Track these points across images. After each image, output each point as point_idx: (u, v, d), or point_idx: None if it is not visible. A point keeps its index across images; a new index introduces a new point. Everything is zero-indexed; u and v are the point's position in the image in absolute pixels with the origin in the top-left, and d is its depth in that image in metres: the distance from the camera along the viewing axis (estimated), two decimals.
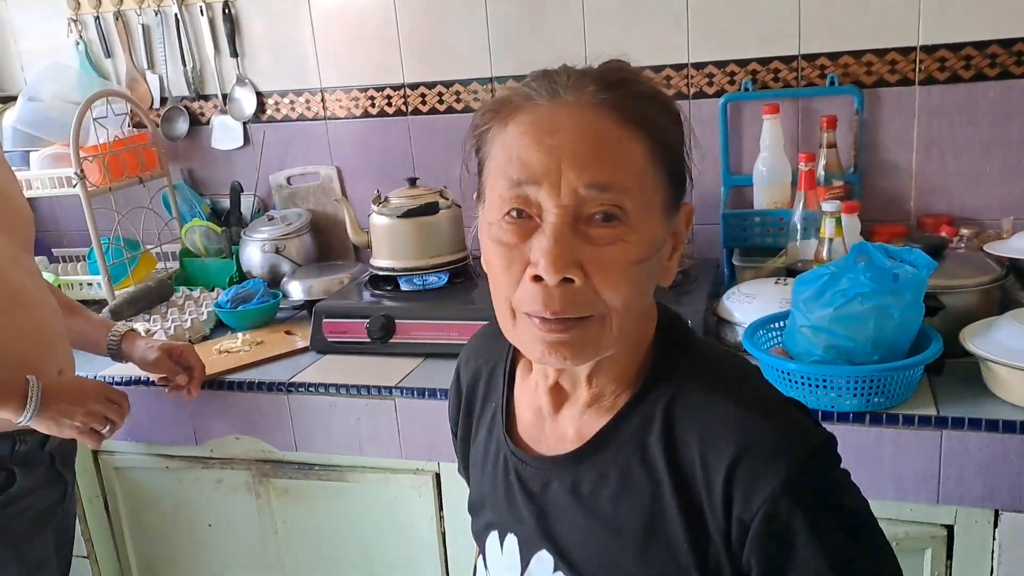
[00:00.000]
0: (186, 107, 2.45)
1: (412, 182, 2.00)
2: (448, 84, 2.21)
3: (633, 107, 0.75)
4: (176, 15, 2.35)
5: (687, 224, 0.84)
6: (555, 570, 0.86)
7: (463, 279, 1.95)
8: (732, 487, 0.75)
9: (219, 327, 2.08)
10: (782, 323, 1.53)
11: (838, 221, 1.63)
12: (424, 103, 2.24)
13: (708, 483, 0.77)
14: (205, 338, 2.03)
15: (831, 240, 1.63)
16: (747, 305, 1.63)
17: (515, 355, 0.97)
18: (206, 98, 2.43)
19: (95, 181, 2.13)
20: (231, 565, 1.96)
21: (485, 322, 1.03)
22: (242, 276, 2.27)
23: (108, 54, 2.46)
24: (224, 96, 2.40)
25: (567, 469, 0.85)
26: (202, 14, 2.33)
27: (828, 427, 1.37)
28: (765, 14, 1.93)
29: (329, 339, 1.85)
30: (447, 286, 1.92)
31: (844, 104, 1.93)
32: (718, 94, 2.00)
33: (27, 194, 2.10)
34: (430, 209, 1.92)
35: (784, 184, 1.92)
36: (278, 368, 1.81)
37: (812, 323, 1.37)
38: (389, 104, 2.27)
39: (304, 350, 1.88)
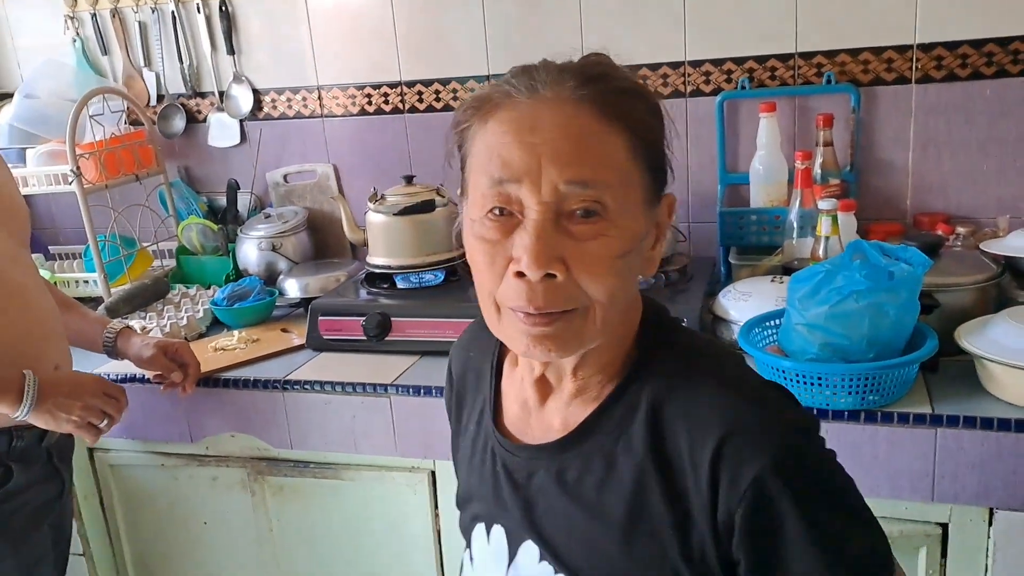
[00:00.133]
0: (183, 104, 2.45)
1: (409, 180, 2.00)
2: (445, 82, 2.20)
3: (612, 102, 0.76)
4: (173, 12, 2.35)
5: (669, 215, 0.85)
6: (540, 560, 0.86)
7: (459, 277, 1.95)
8: (718, 470, 0.76)
9: (215, 325, 2.08)
10: (777, 321, 1.53)
11: (834, 219, 1.63)
12: (421, 101, 2.24)
13: (694, 467, 0.78)
14: (201, 336, 2.03)
15: (827, 238, 1.63)
16: (743, 303, 1.63)
17: (502, 348, 0.97)
18: (203, 95, 2.43)
19: (91, 178, 2.13)
20: (226, 563, 1.96)
21: None
22: (238, 274, 2.27)
23: (105, 51, 2.46)
24: (221, 94, 2.39)
25: (552, 458, 0.86)
26: (199, 11, 2.32)
27: (823, 425, 1.38)
28: (762, 12, 1.93)
29: (325, 337, 1.85)
30: (443, 284, 1.92)
31: (841, 102, 1.92)
32: (715, 92, 2.00)
33: (23, 191, 2.09)
34: (426, 207, 1.92)
35: (780, 182, 1.92)
36: (274, 366, 1.81)
37: (807, 321, 1.37)
38: (386, 102, 2.27)
39: (300, 348, 1.88)
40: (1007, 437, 1.31)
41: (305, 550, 1.88)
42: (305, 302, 2.01)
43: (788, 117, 1.98)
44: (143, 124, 2.35)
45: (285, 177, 2.42)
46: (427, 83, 2.22)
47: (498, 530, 0.91)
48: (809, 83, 1.94)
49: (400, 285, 1.93)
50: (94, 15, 2.42)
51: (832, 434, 1.39)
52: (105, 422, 1.55)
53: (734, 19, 1.95)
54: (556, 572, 0.85)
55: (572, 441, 0.85)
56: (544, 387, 0.89)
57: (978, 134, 1.86)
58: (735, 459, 0.75)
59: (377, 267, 1.96)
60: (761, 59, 1.96)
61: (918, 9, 1.83)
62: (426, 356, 1.77)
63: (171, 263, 2.39)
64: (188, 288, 2.25)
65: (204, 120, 2.45)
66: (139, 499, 1.98)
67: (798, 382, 1.38)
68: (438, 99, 2.22)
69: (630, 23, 2.02)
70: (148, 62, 2.44)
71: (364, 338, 1.81)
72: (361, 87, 2.28)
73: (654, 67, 2.03)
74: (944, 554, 1.42)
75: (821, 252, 1.63)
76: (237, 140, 2.42)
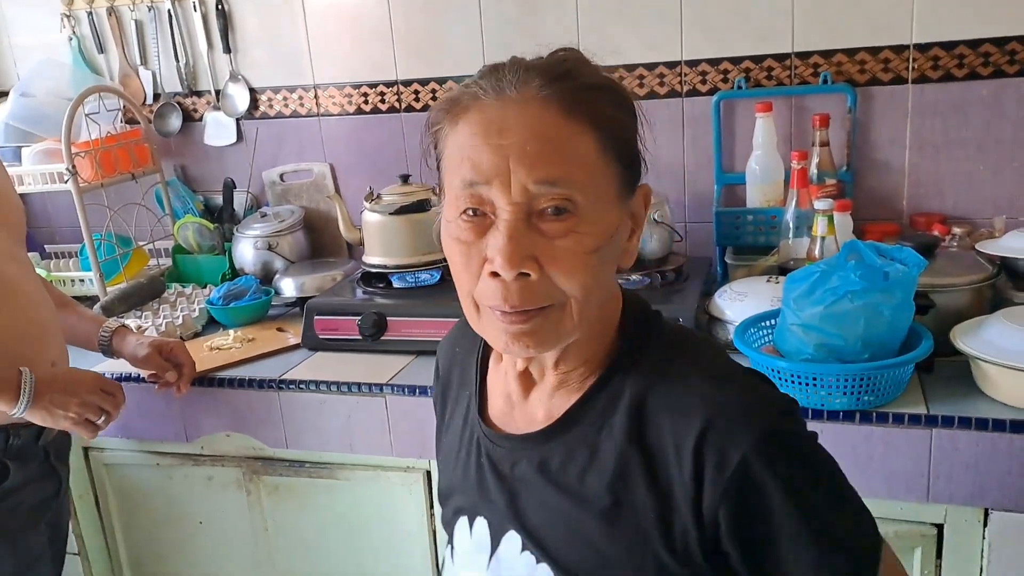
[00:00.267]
0: (179, 103, 2.45)
1: (405, 179, 2.00)
2: (441, 81, 2.20)
3: (579, 99, 0.76)
4: (169, 11, 2.35)
5: (646, 206, 0.85)
6: (523, 550, 0.87)
7: None
8: (703, 455, 0.77)
9: (211, 324, 2.08)
10: (773, 321, 1.53)
11: (830, 219, 1.63)
12: (417, 100, 2.24)
13: (678, 455, 0.78)
14: (197, 335, 2.02)
15: (823, 238, 1.63)
16: (738, 303, 1.62)
17: (487, 344, 0.98)
18: (199, 94, 2.43)
19: (87, 177, 2.13)
20: (221, 562, 1.96)
21: None
22: (235, 273, 2.27)
23: (101, 50, 2.45)
24: (217, 92, 2.39)
25: (536, 448, 0.87)
26: (195, 10, 2.32)
27: (818, 425, 1.40)
28: (759, 12, 1.92)
29: (321, 336, 1.85)
30: (439, 283, 1.92)
31: (837, 102, 1.92)
32: (711, 92, 2.00)
33: (19, 190, 2.09)
34: (422, 206, 1.92)
35: (777, 182, 1.92)
36: (269, 365, 1.81)
37: (802, 321, 1.37)
38: (382, 101, 2.27)
39: (296, 347, 1.88)
40: (1002, 438, 1.31)
41: (300, 550, 1.88)
42: (301, 301, 2.01)
43: (784, 117, 1.97)
44: (139, 123, 2.34)
45: (281, 176, 2.42)
46: (423, 82, 2.22)
47: (481, 522, 0.92)
48: (805, 83, 1.94)
49: (396, 284, 1.93)
50: (90, 13, 2.41)
51: (827, 434, 1.37)
52: (102, 418, 1.55)
53: (731, 19, 1.95)
54: (538, 562, 0.85)
55: (555, 431, 0.86)
56: (527, 380, 0.90)
57: (975, 134, 1.86)
58: (720, 444, 0.76)
59: (373, 266, 1.96)
60: (757, 59, 1.96)
61: (915, 9, 1.83)
62: (422, 356, 1.77)
63: (167, 262, 2.39)
64: (184, 287, 2.25)
65: (200, 119, 2.44)
66: (135, 498, 1.98)
67: (793, 382, 1.38)
68: (434, 98, 2.22)
69: (627, 22, 2.02)
70: (144, 60, 2.43)
71: (360, 338, 1.81)
72: (357, 86, 2.27)
73: (650, 67, 2.03)
74: (939, 555, 1.42)
75: (817, 252, 1.63)
76: (233, 139, 2.42)
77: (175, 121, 2.45)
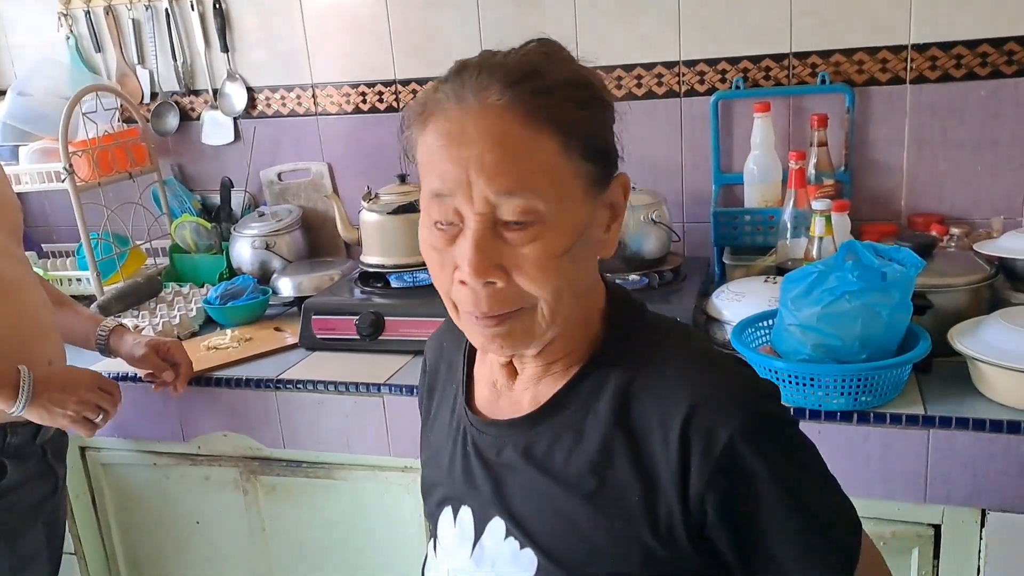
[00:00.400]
0: (176, 102, 2.44)
1: (402, 179, 2.00)
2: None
3: (539, 104, 0.75)
4: (167, 10, 2.34)
5: (625, 194, 0.85)
6: (506, 536, 0.87)
7: None
8: (689, 438, 0.78)
9: (208, 323, 2.07)
10: (770, 322, 1.53)
11: (828, 220, 1.63)
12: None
13: (664, 437, 0.79)
14: (194, 334, 2.02)
15: (821, 239, 1.63)
16: (736, 303, 1.62)
17: None
18: (196, 93, 2.43)
19: (84, 176, 2.12)
20: (218, 562, 1.96)
21: None
22: (232, 272, 2.27)
23: (98, 49, 2.45)
24: (215, 91, 2.39)
25: (522, 433, 0.88)
26: (193, 9, 2.32)
27: (816, 426, 1.40)
28: (756, 12, 1.92)
29: (318, 336, 1.85)
30: None
31: (835, 103, 1.92)
32: (709, 92, 2.00)
33: (16, 189, 2.09)
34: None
35: (775, 182, 1.92)
36: (266, 365, 1.81)
37: (800, 321, 1.37)
38: (380, 100, 2.26)
39: (293, 347, 1.88)
40: (999, 438, 1.31)
41: (297, 549, 1.87)
42: (298, 301, 2.00)
43: (782, 117, 1.97)
44: (136, 122, 2.34)
45: (279, 175, 2.41)
46: (421, 81, 2.21)
47: (465, 511, 0.92)
48: (804, 83, 1.94)
49: (394, 284, 1.92)
50: (88, 12, 2.41)
51: (824, 434, 1.39)
52: (100, 417, 1.55)
53: (729, 19, 1.95)
54: (522, 547, 0.86)
55: (541, 416, 0.87)
56: (512, 370, 0.91)
57: (972, 135, 1.86)
58: (706, 426, 0.78)
59: (371, 266, 1.96)
60: (756, 59, 1.96)
61: (913, 9, 1.83)
62: (419, 356, 1.74)
63: (164, 261, 2.38)
64: (181, 286, 2.25)
65: (198, 118, 2.44)
66: (131, 498, 1.98)
67: (791, 383, 1.38)
68: None
69: (625, 23, 2.02)
70: (142, 59, 2.43)
71: (357, 337, 1.80)
72: (355, 85, 2.27)
73: (648, 67, 2.03)
74: (936, 555, 1.42)
75: (815, 253, 1.63)
76: (231, 138, 2.41)
77: (172, 120, 2.45)
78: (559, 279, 0.78)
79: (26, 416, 1.46)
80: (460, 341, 1.00)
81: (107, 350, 1.74)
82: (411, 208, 1.91)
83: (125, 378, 1.79)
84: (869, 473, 1.38)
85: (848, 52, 1.89)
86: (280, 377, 1.73)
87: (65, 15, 2.43)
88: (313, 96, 2.32)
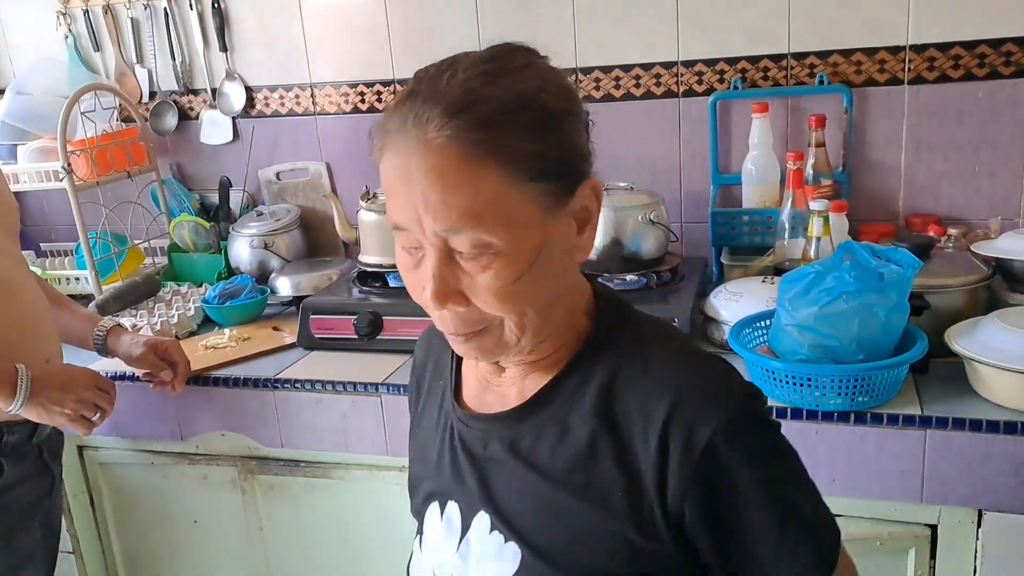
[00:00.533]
0: (175, 101, 2.44)
1: None
2: None
3: (478, 137, 0.73)
4: (165, 9, 2.34)
5: (596, 198, 0.83)
6: (491, 530, 0.88)
7: None
8: (669, 437, 0.79)
9: (206, 323, 2.07)
10: (768, 322, 1.53)
11: (826, 220, 1.63)
12: None
13: (645, 433, 0.80)
14: (192, 334, 2.02)
15: (819, 239, 1.63)
16: (734, 304, 1.62)
17: None
18: (195, 92, 2.43)
19: (83, 175, 2.12)
20: (216, 561, 1.96)
21: None
22: (230, 272, 2.27)
23: (97, 48, 2.45)
24: (213, 91, 2.39)
25: (508, 427, 0.88)
26: (191, 8, 2.32)
27: (813, 426, 1.40)
28: (755, 12, 1.92)
29: (316, 335, 1.85)
30: None
31: (833, 103, 1.92)
32: (708, 92, 2.00)
33: (14, 188, 2.10)
34: None
35: (772, 183, 1.92)
36: (265, 364, 1.81)
37: (797, 322, 1.37)
38: (379, 100, 2.26)
39: (291, 346, 1.88)
40: (996, 439, 1.31)
41: (295, 549, 1.87)
42: (297, 300, 2.00)
43: (780, 118, 1.97)
44: (135, 121, 2.34)
45: (277, 175, 2.41)
46: None
47: (452, 506, 0.93)
48: (802, 83, 1.94)
49: (392, 284, 1.92)
50: (86, 11, 2.41)
51: (821, 435, 1.39)
52: (97, 415, 1.55)
53: (727, 19, 1.95)
54: (506, 541, 0.86)
55: (527, 410, 0.88)
56: (500, 365, 0.92)
57: (970, 136, 1.86)
58: (687, 424, 0.78)
59: (369, 266, 1.96)
60: (754, 59, 1.96)
61: (911, 10, 1.83)
62: None
63: (163, 261, 2.38)
64: (179, 286, 2.25)
65: (196, 117, 2.44)
66: (129, 497, 1.98)
67: (788, 383, 1.38)
68: None
69: (623, 23, 2.02)
70: (140, 59, 2.43)
71: (355, 337, 1.80)
72: (354, 85, 2.27)
73: (647, 67, 2.03)
74: (933, 556, 1.42)
75: (813, 253, 1.63)
76: (229, 137, 2.41)
77: (171, 119, 2.45)
78: (517, 302, 0.79)
79: (24, 414, 1.46)
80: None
81: (104, 350, 1.74)
82: None
83: (123, 377, 1.79)
84: (866, 473, 1.39)
85: (846, 53, 1.89)
86: (278, 376, 1.73)
87: (64, 14, 2.43)
88: (312, 96, 2.32)
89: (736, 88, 1.97)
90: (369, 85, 2.26)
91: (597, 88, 2.08)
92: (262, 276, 2.19)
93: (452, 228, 0.75)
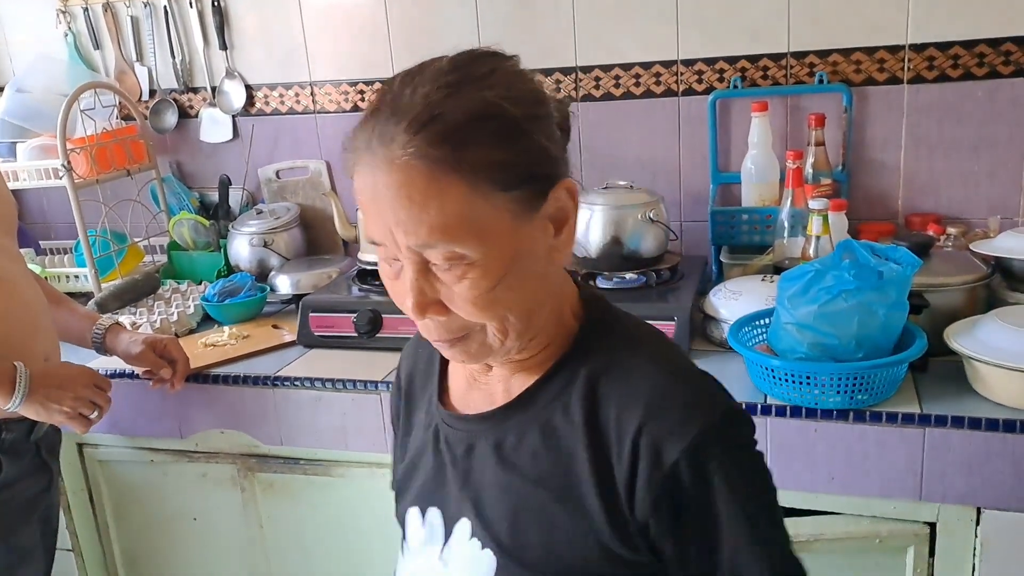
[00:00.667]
0: (175, 100, 2.44)
1: None
2: None
3: (440, 153, 0.72)
4: (165, 7, 2.34)
5: (572, 198, 0.82)
6: (471, 536, 0.88)
7: None
8: (639, 444, 0.79)
9: (206, 320, 2.07)
10: (767, 320, 1.53)
11: (825, 219, 1.64)
12: None
13: (619, 439, 0.80)
14: (192, 331, 2.02)
15: (818, 238, 1.63)
16: (733, 302, 1.63)
17: None
18: (195, 91, 2.42)
19: (82, 173, 2.12)
20: (216, 559, 1.96)
21: None
22: (230, 270, 2.27)
23: (97, 46, 2.45)
24: (213, 89, 2.39)
25: (493, 427, 0.88)
26: (191, 6, 2.31)
27: (812, 424, 1.40)
28: (754, 11, 1.93)
29: (316, 333, 1.85)
30: None
31: (833, 102, 1.93)
32: (707, 91, 2.00)
33: (14, 185, 2.10)
34: None
35: (772, 182, 1.93)
36: (264, 362, 1.81)
37: (797, 320, 1.37)
38: None
39: (291, 344, 1.88)
40: (995, 437, 1.32)
41: (295, 546, 1.87)
42: (296, 298, 2.00)
43: (780, 117, 1.98)
44: (135, 119, 2.34)
45: (277, 173, 2.41)
46: None
47: (434, 512, 0.93)
48: (801, 83, 1.94)
49: None
50: (86, 9, 2.41)
51: (820, 433, 1.39)
52: (95, 413, 1.55)
53: (727, 18, 1.95)
54: (483, 548, 0.86)
55: (512, 410, 0.88)
56: (487, 364, 0.91)
57: (969, 135, 1.87)
58: (656, 439, 0.78)
59: (369, 264, 1.96)
60: (753, 58, 1.96)
61: (910, 9, 1.83)
62: None
63: (162, 259, 2.38)
64: (179, 284, 2.25)
65: (196, 115, 2.44)
66: (128, 495, 1.98)
67: (787, 381, 1.39)
68: None
69: (623, 22, 2.02)
70: (140, 57, 2.43)
71: (355, 335, 1.81)
72: (354, 83, 2.27)
73: (646, 66, 2.03)
74: (932, 553, 1.43)
75: (812, 252, 1.63)
76: (229, 136, 2.41)
77: (171, 118, 2.45)
78: (496, 308, 0.79)
79: (22, 412, 1.47)
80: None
81: (103, 348, 1.74)
82: None
83: (122, 375, 1.79)
84: (865, 471, 1.39)
85: (846, 52, 1.90)
86: (278, 374, 1.73)
87: (64, 12, 2.43)
88: (311, 94, 2.32)
89: (736, 87, 1.97)
90: (369, 83, 2.26)
91: (597, 87, 2.08)
92: (262, 274, 2.19)
93: (424, 244, 0.75)
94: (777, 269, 1.73)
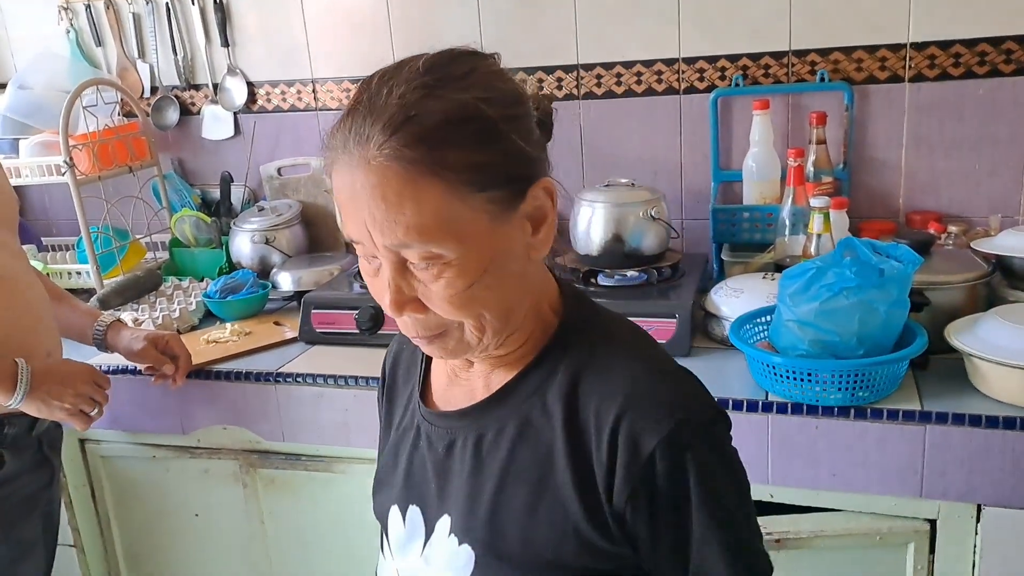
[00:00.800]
0: (177, 96, 2.45)
1: None
2: None
3: (415, 155, 0.72)
4: (167, 4, 2.35)
5: (550, 197, 0.82)
6: (450, 533, 0.88)
7: None
8: (618, 435, 0.79)
9: (208, 317, 2.08)
10: (768, 318, 1.54)
11: (826, 217, 1.64)
12: None
13: (598, 433, 0.81)
14: (193, 328, 2.02)
15: (819, 236, 1.64)
16: (734, 300, 1.63)
17: None
18: (197, 88, 2.43)
19: (84, 170, 2.13)
20: (217, 555, 1.96)
21: None
22: (231, 266, 2.27)
23: (99, 42, 2.45)
24: (215, 86, 2.39)
25: (472, 423, 0.89)
26: (193, 3, 2.32)
27: (813, 421, 1.40)
28: (756, 9, 1.93)
29: (318, 330, 1.85)
30: None
31: (834, 100, 1.93)
32: (709, 89, 2.00)
33: (16, 182, 2.10)
34: None
35: (773, 180, 1.93)
36: (266, 358, 1.81)
37: (798, 317, 1.38)
38: None
39: (293, 341, 1.88)
40: (995, 434, 1.32)
41: (296, 542, 1.88)
42: (298, 295, 2.01)
43: (781, 115, 1.98)
44: (137, 116, 2.34)
45: (279, 170, 2.42)
46: None
47: (414, 511, 0.93)
48: (803, 81, 1.94)
49: None
50: (88, 6, 2.41)
51: (821, 430, 1.40)
52: (95, 410, 1.56)
53: (728, 16, 1.95)
54: (460, 544, 0.87)
55: (492, 404, 0.88)
56: (468, 360, 0.91)
57: (971, 133, 1.87)
58: (633, 432, 0.79)
59: None
60: (755, 56, 1.96)
61: (911, 8, 1.84)
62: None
63: (164, 255, 2.39)
64: (181, 280, 2.25)
65: (198, 112, 2.44)
66: (130, 491, 1.98)
67: (788, 378, 1.39)
68: None
69: (625, 20, 2.02)
70: (142, 54, 2.43)
71: (357, 331, 1.81)
72: (355, 80, 2.27)
73: (648, 63, 2.03)
74: (932, 550, 1.43)
75: (813, 249, 1.63)
76: (231, 133, 2.42)
77: (173, 114, 2.45)
78: (473, 306, 0.79)
79: (23, 408, 1.47)
80: None
81: (104, 345, 1.74)
82: None
83: (124, 371, 1.79)
84: (866, 468, 1.39)
85: (847, 50, 1.90)
86: (279, 371, 1.74)
87: (66, 9, 2.43)
88: (313, 91, 2.32)
89: (737, 85, 1.98)
90: None
91: (599, 85, 2.08)
92: (263, 271, 2.19)
93: (400, 244, 0.75)
94: (778, 267, 1.73)
